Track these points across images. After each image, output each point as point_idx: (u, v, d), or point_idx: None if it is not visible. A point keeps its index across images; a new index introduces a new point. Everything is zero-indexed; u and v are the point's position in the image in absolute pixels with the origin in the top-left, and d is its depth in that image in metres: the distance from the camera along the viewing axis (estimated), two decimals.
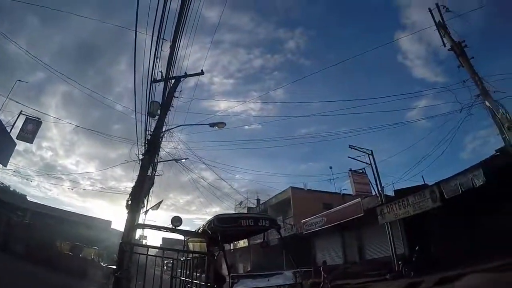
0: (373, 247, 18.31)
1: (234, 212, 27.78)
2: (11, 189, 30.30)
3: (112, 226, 27.58)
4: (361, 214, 17.33)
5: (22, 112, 18.28)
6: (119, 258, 5.27)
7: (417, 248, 13.22)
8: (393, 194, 17.22)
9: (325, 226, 20.37)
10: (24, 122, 17.91)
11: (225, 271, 4.49)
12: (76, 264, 15.93)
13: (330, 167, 61.44)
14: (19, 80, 19.06)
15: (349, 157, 19.88)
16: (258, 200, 33.38)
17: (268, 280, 3.94)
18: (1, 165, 16.82)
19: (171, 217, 6.43)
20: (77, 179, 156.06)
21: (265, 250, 21.35)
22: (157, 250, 7.46)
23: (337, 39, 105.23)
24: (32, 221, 22.56)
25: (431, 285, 10.26)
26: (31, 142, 18.82)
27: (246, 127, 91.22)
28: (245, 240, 24.19)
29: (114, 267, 12.97)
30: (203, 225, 4.78)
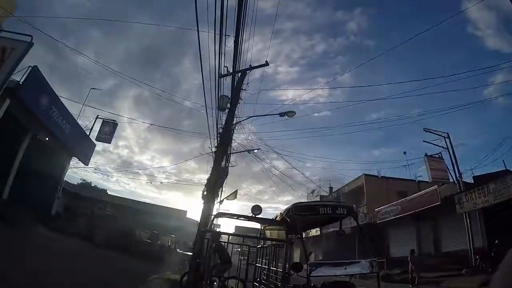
0: (450, 239, 16.92)
1: (307, 200, 27.91)
2: (92, 185, 33.82)
3: (188, 216, 29.54)
4: (438, 203, 16.04)
5: (99, 116, 20.25)
6: (199, 244, 5.69)
7: (496, 241, 11.88)
8: (472, 181, 15.57)
9: (399, 215, 19.28)
10: (101, 125, 19.86)
11: (302, 258, 4.70)
12: (154, 251, 17.30)
13: (404, 153, 57.44)
14: (93, 88, 21.07)
15: (424, 141, 18.53)
16: (330, 188, 32.84)
17: (345, 268, 4.00)
18: (83, 165, 18.91)
19: (252, 206, 6.80)
20: (153, 173, 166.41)
21: (337, 239, 21.16)
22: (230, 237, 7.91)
23: (399, 17, 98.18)
24: (113, 212, 24.96)
25: None
26: (109, 142, 20.75)
27: (316, 114, 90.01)
28: (317, 229, 23.71)
29: (190, 253, 13.94)
30: (281, 213, 4.94)
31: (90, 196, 27.82)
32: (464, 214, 14.78)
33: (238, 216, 5.16)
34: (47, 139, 14.05)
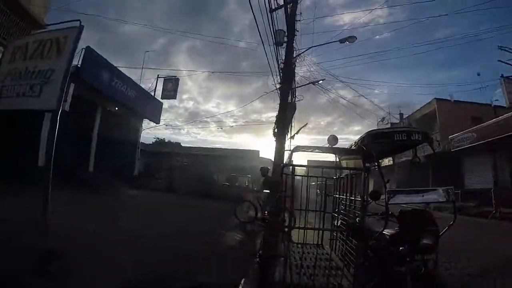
0: None
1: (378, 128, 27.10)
2: (166, 141, 36.52)
3: (261, 155, 30.78)
4: None
5: (159, 76, 21.08)
6: (280, 179, 5.87)
7: None
8: None
9: (475, 144, 17.64)
10: (163, 83, 20.83)
11: (381, 187, 4.62)
12: (233, 192, 18.58)
13: (478, 74, 51.37)
14: (147, 51, 21.91)
15: (499, 60, 16.53)
16: (400, 114, 31.17)
17: (423, 196, 3.91)
18: (154, 124, 20.22)
19: (329, 136, 6.89)
20: (221, 119, 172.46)
21: (410, 169, 20.39)
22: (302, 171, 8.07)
23: None
24: (189, 162, 26.87)
25: None
26: (175, 98, 21.77)
27: (377, 37, 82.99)
28: (390, 159, 23.44)
29: (267, 191, 14.61)
30: (355, 142, 4.85)
31: (166, 151, 30.10)
32: None
33: (315, 148, 5.13)
34: (116, 109, 15.13)
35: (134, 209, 10.11)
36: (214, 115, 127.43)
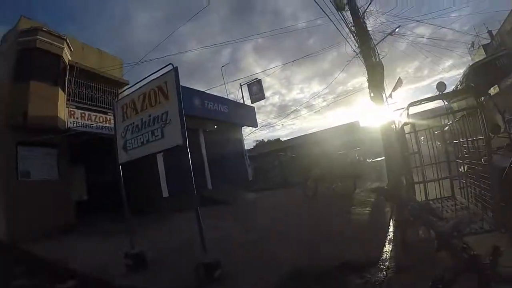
0: None
1: (471, 57, 24.14)
2: (265, 140, 38.25)
3: (361, 125, 30.00)
4: None
5: (241, 84, 22.33)
6: (401, 139, 5.86)
7: None
8: None
9: None
10: (248, 88, 21.90)
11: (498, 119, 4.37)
12: (346, 170, 18.49)
13: None
14: (222, 66, 23.31)
15: None
16: (489, 32, 26.87)
17: None
18: (251, 129, 21.47)
19: (437, 83, 6.67)
20: (309, 103, 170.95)
21: None
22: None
23: None
24: (294, 153, 27.60)
25: None
26: (264, 98, 22.60)
27: None
28: (495, 86, 20.45)
29: (379, 159, 14.23)
30: (460, 81, 4.70)
31: (268, 151, 31.46)
32: None
33: (427, 100, 5.09)
34: (215, 127, 16.58)
35: (261, 209, 11.03)
36: (303, 103, 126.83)
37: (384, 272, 3.97)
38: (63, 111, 11.45)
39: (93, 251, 7.34)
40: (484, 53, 21.97)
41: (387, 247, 4.90)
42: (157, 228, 9.39)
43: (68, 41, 12.05)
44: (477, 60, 21.91)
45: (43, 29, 11.17)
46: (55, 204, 10.28)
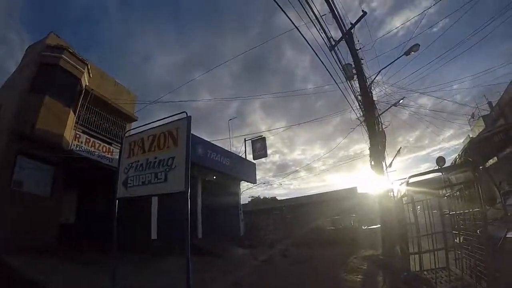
0: None
1: (471, 128, 24.99)
2: (261, 197, 38.01)
3: (359, 191, 29.85)
4: None
5: (246, 139, 22.77)
6: (399, 210, 5.91)
7: None
8: None
9: None
10: (252, 144, 22.29)
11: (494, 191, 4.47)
12: (341, 235, 18.23)
13: None
14: (230, 119, 23.92)
15: None
16: (489, 103, 28.25)
17: None
18: (248, 184, 21.47)
19: (437, 157, 6.99)
20: (310, 165, 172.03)
21: None
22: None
23: None
24: (290, 214, 27.24)
25: None
26: (266, 156, 22.83)
27: (434, 29, 79.48)
28: (494, 158, 21.06)
29: (374, 226, 14.08)
30: (458, 155, 4.88)
31: (263, 208, 31.09)
32: None
33: (427, 173, 5.27)
34: (214, 177, 16.63)
35: (249, 266, 10.70)
36: (303, 165, 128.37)
37: None
38: (69, 132, 11.64)
39: (71, 278, 7.05)
40: (484, 124, 22.64)
41: None
42: (141, 269, 9.07)
43: (89, 66, 12.58)
44: (476, 131, 22.39)
45: (69, 50, 11.72)
46: (41, 220, 10.13)
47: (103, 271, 6.11)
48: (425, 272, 4.93)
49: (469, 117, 28.37)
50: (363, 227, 18.18)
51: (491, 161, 21.72)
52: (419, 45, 10.56)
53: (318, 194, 32.17)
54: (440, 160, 8.58)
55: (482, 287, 3.71)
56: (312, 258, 11.80)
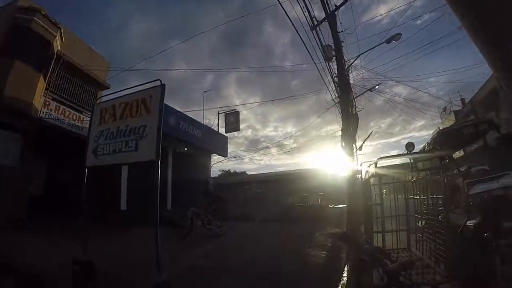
0: None
1: (441, 121, 26.00)
2: (231, 171, 38.15)
3: (328, 171, 30.42)
4: None
5: (219, 112, 22.55)
6: (366, 190, 6.10)
7: None
8: None
9: None
10: (225, 117, 22.15)
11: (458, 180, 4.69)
12: (307, 212, 18.71)
13: None
14: (204, 91, 23.54)
15: None
16: (462, 100, 29.26)
17: (497, 181, 3.93)
18: (219, 158, 21.47)
19: (406, 142, 7.20)
20: (281, 142, 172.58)
21: (482, 155, 18.84)
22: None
23: None
24: (259, 189, 27.62)
25: None
26: (238, 130, 22.83)
27: (419, 22, 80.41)
28: (461, 150, 22.08)
29: (341, 206, 14.53)
30: (428, 143, 5.07)
31: (234, 182, 31.33)
32: None
33: (396, 156, 5.44)
34: (185, 149, 16.47)
35: (217, 239, 10.81)
36: (274, 142, 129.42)
37: None
38: (39, 99, 11.08)
39: (40, 251, 6.90)
40: (454, 118, 23.62)
41: None
42: (111, 239, 8.96)
43: (62, 30, 11.90)
44: (447, 124, 23.31)
45: (42, 12, 10.98)
46: (9, 192, 9.69)
47: (73, 243, 5.99)
48: (389, 251, 5.13)
49: (441, 110, 29.44)
50: (330, 206, 18.74)
51: (458, 154, 22.97)
52: (401, 34, 10.70)
53: (288, 171, 32.79)
54: (410, 146, 8.81)
55: (440, 269, 3.94)
56: (279, 233, 12.10)
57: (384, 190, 5.91)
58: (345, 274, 5.85)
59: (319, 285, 5.21)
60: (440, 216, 4.32)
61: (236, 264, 6.98)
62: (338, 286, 5.18)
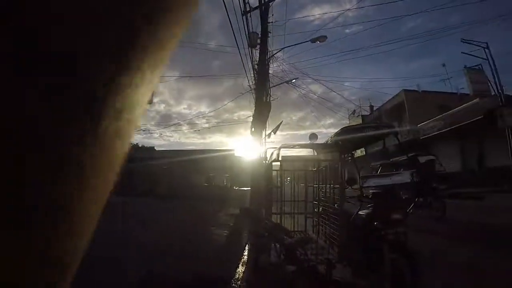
0: (494, 154, 16.72)
1: (348, 122, 28.32)
2: (139, 146, 36.16)
3: (236, 154, 30.95)
4: (480, 117, 15.58)
5: None
6: (267, 173, 6.32)
7: None
8: None
9: (442, 130, 19.06)
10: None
11: (355, 174, 5.18)
12: (213, 192, 18.90)
13: (443, 65, 52.99)
14: None
15: (462, 52, 17.69)
16: (371, 107, 32.36)
17: (390, 178, 4.46)
18: None
19: (310, 133, 7.59)
20: (193, 120, 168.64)
21: (382, 157, 21.39)
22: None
23: None
24: (166, 166, 26.83)
25: None
26: (152, 102, 21.64)
27: (347, 30, 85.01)
28: (362, 150, 24.38)
29: (245, 188, 14.98)
30: (331, 137, 5.42)
31: (140, 157, 29.84)
32: (507, 129, 14.53)
33: (298, 145, 5.68)
34: None
35: (122, 215, 10.24)
36: (187, 119, 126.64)
37: None
38: None
39: None
40: (362, 121, 26.11)
41: (241, 268, 5.10)
42: None
43: None
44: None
45: None
46: None
47: None
48: None
49: (351, 112, 32.26)
50: (234, 188, 19.18)
51: (359, 153, 25.45)
52: (326, 37, 11.21)
53: (197, 150, 32.51)
54: (313, 136, 9.40)
55: (334, 251, 4.32)
56: (183, 211, 11.96)
57: (289, 178, 6.18)
58: (246, 253, 6.05)
59: (220, 264, 5.28)
60: (336, 204, 4.69)
61: (137, 240, 6.70)
62: (238, 264, 5.31)
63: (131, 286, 3.99)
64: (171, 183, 18.83)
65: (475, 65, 17.68)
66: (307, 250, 3.85)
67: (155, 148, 37.03)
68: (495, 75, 16.48)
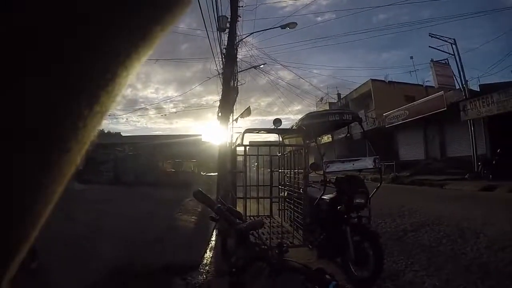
0: (455, 144, 17.52)
1: (316, 109, 28.43)
2: (105, 131, 34.59)
3: (203, 140, 30.43)
4: (444, 109, 16.26)
5: None
6: (232, 158, 6.18)
7: (499, 150, 12.17)
8: (479, 90, 15.55)
9: (407, 120, 19.65)
10: None
11: (318, 159, 5.17)
12: (180, 178, 18.51)
13: (411, 57, 54.50)
14: None
15: (430, 46, 18.01)
16: (338, 95, 32.55)
17: (353, 164, 4.47)
18: None
19: (274, 118, 7.45)
20: (160, 105, 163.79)
21: (348, 144, 21.78)
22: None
23: None
24: (132, 151, 25.93)
25: (507, 191, 9.72)
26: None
27: (319, 18, 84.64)
28: (329, 136, 24.58)
29: (213, 174, 14.78)
30: (296, 122, 5.33)
31: (106, 143, 28.60)
32: (468, 121, 15.01)
33: (263, 130, 5.55)
34: None
35: (87, 203, 9.76)
36: (153, 103, 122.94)
37: (204, 276, 4.01)
38: None
39: None
40: (328, 108, 26.34)
41: (208, 254, 4.99)
42: None
43: None
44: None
45: None
46: None
47: None
48: (251, 217, 5.33)
49: (319, 99, 32.48)
50: (202, 173, 18.90)
51: (326, 139, 25.71)
52: (296, 23, 11.01)
53: (164, 135, 31.70)
54: (277, 121, 9.24)
55: (299, 235, 4.30)
56: (150, 198, 11.61)
57: (256, 163, 6.07)
58: (213, 238, 5.93)
59: (188, 250, 5.12)
60: (301, 189, 4.65)
61: (101, 229, 6.37)
62: (206, 250, 5.19)
63: (95, 275, 3.74)
64: (138, 170, 18.19)
65: (442, 59, 18.06)
66: (261, 235, 3.78)
67: (121, 133, 35.66)
68: (461, 70, 16.80)
